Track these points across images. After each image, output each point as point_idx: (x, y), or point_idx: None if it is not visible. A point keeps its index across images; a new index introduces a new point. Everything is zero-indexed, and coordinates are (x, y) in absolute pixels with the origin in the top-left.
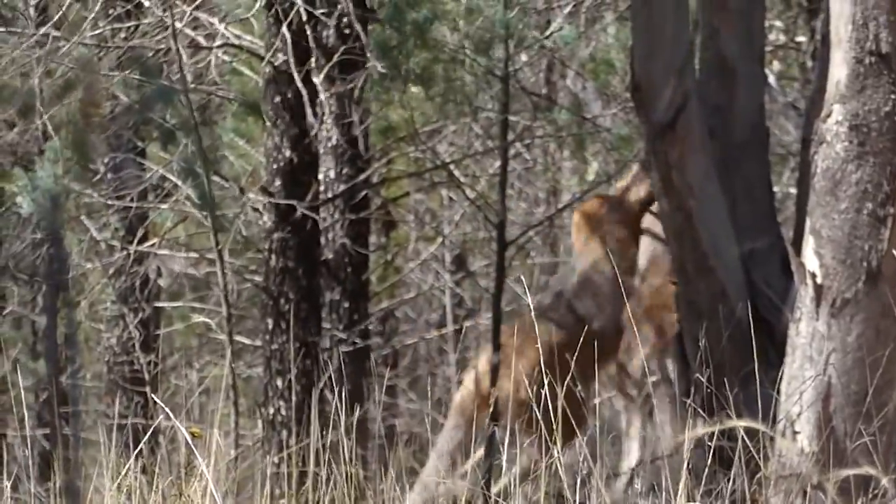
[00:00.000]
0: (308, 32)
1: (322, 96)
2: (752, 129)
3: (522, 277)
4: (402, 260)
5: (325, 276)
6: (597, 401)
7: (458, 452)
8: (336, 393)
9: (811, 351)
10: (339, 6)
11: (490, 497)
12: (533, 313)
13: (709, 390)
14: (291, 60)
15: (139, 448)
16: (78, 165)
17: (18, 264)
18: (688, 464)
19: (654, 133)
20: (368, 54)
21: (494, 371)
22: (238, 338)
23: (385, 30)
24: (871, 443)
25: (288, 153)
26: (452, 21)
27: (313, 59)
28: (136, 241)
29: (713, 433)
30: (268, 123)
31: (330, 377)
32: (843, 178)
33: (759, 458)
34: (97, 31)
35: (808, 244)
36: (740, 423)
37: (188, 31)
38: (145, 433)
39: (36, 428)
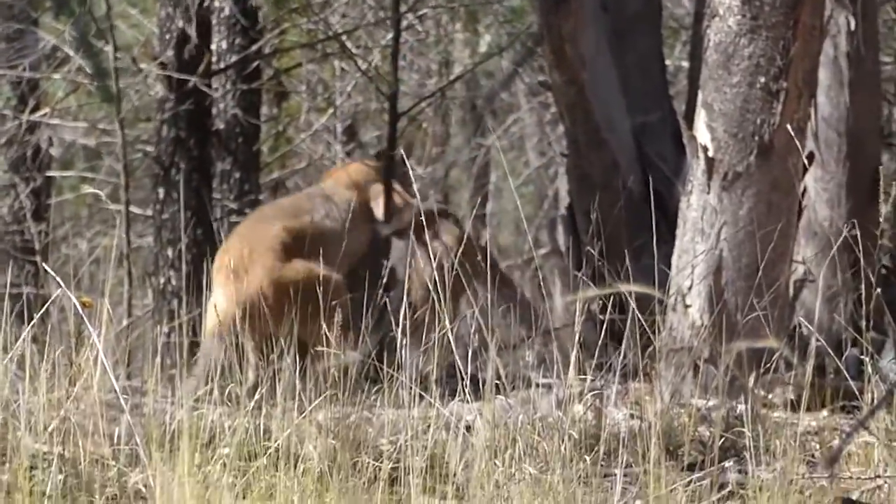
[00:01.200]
0: None
1: None
2: (645, 2)
3: (402, 151)
4: (294, 131)
5: (217, 147)
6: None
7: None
8: None
9: (702, 224)
10: None
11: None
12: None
13: (600, 263)
14: None
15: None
16: None
17: None
18: (579, 337)
19: (547, 5)
20: None
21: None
22: (129, 208)
23: None
24: (762, 316)
25: (180, 24)
26: None
27: None
28: (28, 110)
29: (605, 307)
30: None
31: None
32: (736, 51)
33: (651, 331)
34: None
35: (700, 118)
36: (632, 288)
37: None
38: (36, 302)
39: None
